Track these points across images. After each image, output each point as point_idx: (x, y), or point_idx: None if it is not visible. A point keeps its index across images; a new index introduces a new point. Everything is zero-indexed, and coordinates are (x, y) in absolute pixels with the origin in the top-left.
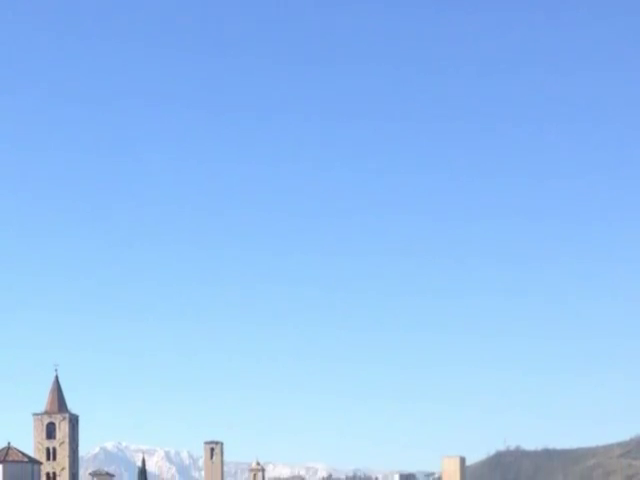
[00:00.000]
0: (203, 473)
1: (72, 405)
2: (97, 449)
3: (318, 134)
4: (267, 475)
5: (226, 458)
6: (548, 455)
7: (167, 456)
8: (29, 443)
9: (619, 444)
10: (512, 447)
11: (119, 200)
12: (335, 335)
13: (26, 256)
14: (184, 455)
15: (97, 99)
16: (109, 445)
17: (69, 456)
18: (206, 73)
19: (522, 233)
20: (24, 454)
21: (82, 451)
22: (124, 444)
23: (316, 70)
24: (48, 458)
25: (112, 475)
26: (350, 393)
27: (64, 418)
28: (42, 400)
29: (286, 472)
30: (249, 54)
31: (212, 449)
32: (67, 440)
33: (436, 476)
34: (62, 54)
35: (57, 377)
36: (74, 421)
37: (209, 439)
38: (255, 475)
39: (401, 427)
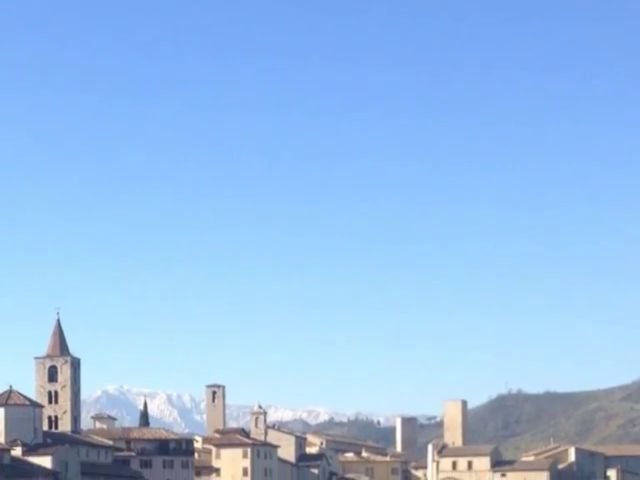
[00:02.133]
0: (205, 416)
1: (74, 348)
2: (99, 392)
3: (318, 79)
4: (269, 418)
5: (228, 401)
6: (550, 398)
7: (169, 399)
8: (31, 386)
9: (621, 387)
10: (514, 390)
11: (122, 145)
12: (337, 279)
13: (27, 200)
14: (186, 398)
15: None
16: (111, 388)
17: (71, 399)
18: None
19: (524, 174)
20: (26, 397)
21: (84, 394)
22: (126, 387)
23: (317, 16)
24: (50, 401)
25: (114, 418)
26: (352, 337)
27: (66, 361)
28: (44, 343)
29: (288, 415)
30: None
31: (214, 392)
32: (69, 383)
33: (438, 420)
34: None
35: (59, 320)
36: (76, 364)
37: (211, 382)
38: (257, 418)
39: (403, 371)
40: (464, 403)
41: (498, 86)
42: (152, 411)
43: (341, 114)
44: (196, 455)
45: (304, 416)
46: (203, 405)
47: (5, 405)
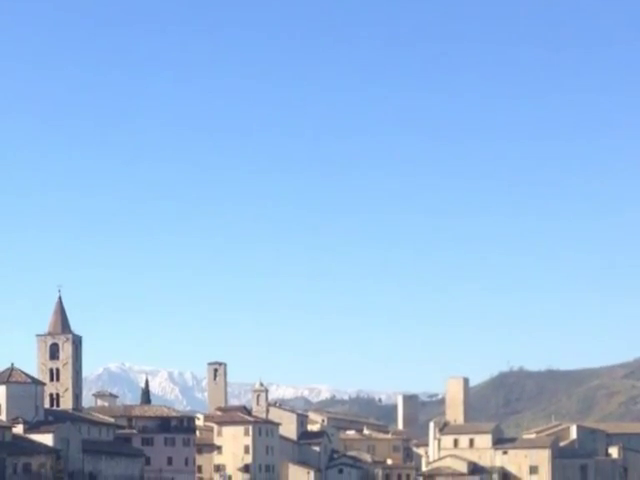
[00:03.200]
0: (206, 394)
1: (75, 326)
2: (100, 370)
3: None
4: (270, 396)
5: (229, 379)
6: (551, 376)
7: (170, 377)
8: (32, 364)
9: (622, 365)
10: (515, 368)
11: (123, 120)
12: (339, 256)
13: (28, 177)
14: (187, 376)
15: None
16: (112, 366)
17: (72, 377)
18: None
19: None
20: (27, 375)
21: (85, 372)
22: (127, 365)
23: None
24: (51, 379)
25: (115, 396)
26: (354, 315)
27: (67, 339)
28: (45, 321)
29: (289, 393)
30: None
31: (215, 370)
32: (70, 361)
33: (439, 397)
34: None
35: (60, 298)
36: (77, 342)
37: (212, 360)
38: (258, 396)
39: (405, 349)
40: (466, 380)
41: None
42: (153, 389)
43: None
44: (197, 433)
45: (305, 394)
46: (205, 383)
47: (6, 383)
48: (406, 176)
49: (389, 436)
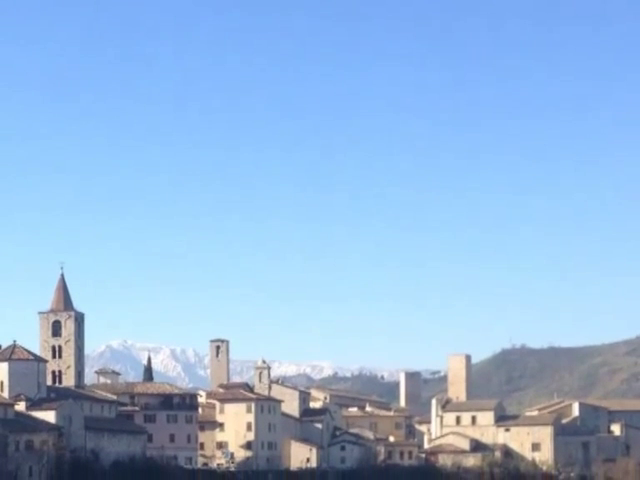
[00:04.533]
0: (209, 371)
1: (78, 303)
2: (103, 347)
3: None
4: (272, 373)
5: (232, 356)
6: (554, 353)
7: (173, 354)
8: (35, 341)
9: (625, 342)
10: (518, 345)
11: (127, 97)
12: (340, 232)
13: (30, 154)
14: (190, 353)
15: None
16: (115, 343)
17: (74, 354)
18: None
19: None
20: (30, 352)
21: (88, 349)
22: (130, 342)
23: None
24: (54, 356)
25: (118, 373)
26: (356, 292)
27: (70, 316)
28: (48, 298)
29: (292, 370)
30: None
31: (218, 347)
32: (73, 338)
33: (441, 374)
34: None
35: (63, 275)
36: (80, 319)
37: (215, 337)
38: (260, 373)
39: (407, 326)
40: (468, 358)
41: None
42: (156, 366)
43: None
44: (200, 410)
45: (308, 371)
46: (207, 360)
47: (9, 360)
48: (407, 153)
49: (391, 413)
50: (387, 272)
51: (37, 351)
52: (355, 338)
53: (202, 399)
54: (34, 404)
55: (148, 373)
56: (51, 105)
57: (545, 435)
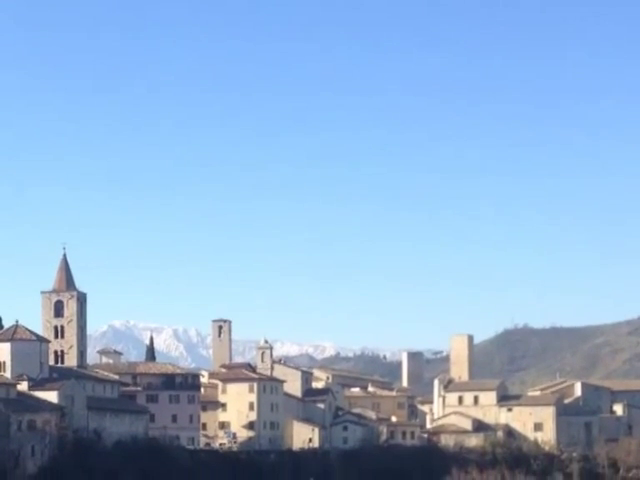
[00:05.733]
0: (211, 351)
1: (80, 283)
2: (105, 327)
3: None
4: (275, 353)
5: (234, 336)
6: (556, 333)
7: (175, 334)
8: (37, 321)
9: (627, 322)
10: (520, 325)
11: (127, 77)
12: (343, 213)
13: (32, 134)
14: (192, 333)
15: None
16: (117, 323)
17: (77, 334)
18: None
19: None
20: (32, 332)
21: (90, 329)
22: (132, 322)
23: None
24: (56, 336)
25: (120, 353)
26: (359, 272)
27: (72, 296)
28: (50, 278)
29: (294, 350)
30: None
31: (220, 327)
32: (75, 318)
33: (444, 354)
34: None
35: (65, 255)
36: (82, 299)
37: (217, 317)
38: (263, 353)
39: (409, 306)
40: (470, 338)
41: None
42: (158, 346)
43: None
44: (202, 390)
45: (310, 351)
46: (209, 340)
47: (11, 340)
48: (413, 132)
49: (394, 393)
50: (389, 252)
51: (39, 331)
52: (357, 318)
53: (204, 379)
54: (36, 384)
55: (150, 353)
56: (53, 86)
57: (547, 415)
